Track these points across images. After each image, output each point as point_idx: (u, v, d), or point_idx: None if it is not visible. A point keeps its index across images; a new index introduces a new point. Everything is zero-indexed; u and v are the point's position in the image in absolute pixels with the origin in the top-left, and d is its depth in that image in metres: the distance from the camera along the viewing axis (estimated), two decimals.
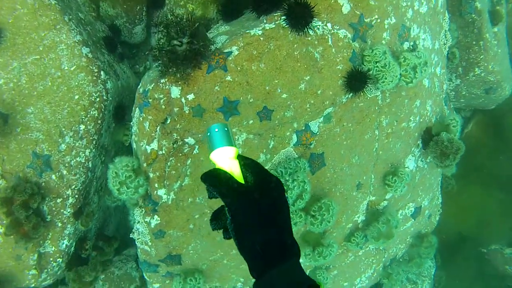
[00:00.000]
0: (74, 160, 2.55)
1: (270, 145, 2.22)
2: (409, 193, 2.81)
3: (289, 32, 2.12)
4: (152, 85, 2.09)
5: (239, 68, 2.06)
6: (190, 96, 2.03)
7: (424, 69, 2.49)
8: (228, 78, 2.04)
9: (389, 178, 2.62)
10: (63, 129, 2.54)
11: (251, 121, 2.14)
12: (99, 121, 2.58)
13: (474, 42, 3.20)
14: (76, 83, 2.54)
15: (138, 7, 3.18)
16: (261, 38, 2.08)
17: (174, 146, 2.09)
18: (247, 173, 0.89)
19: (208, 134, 0.94)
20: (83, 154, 2.56)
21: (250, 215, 0.83)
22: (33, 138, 2.55)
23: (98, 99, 2.55)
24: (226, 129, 0.94)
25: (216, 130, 0.93)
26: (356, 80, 2.26)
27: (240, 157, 0.93)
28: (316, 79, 2.19)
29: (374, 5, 2.32)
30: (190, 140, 2.09)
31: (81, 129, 2.54)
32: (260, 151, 2.22)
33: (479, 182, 3.37)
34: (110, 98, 2.62)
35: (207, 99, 2.04)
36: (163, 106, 2.07)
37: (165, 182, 2.14)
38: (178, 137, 2.08)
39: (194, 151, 2.11)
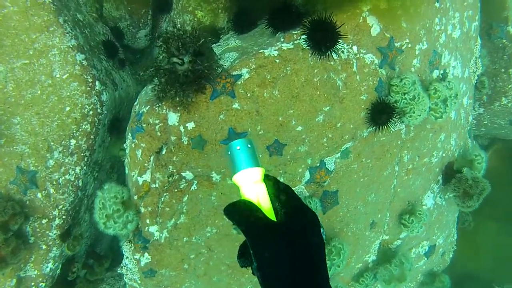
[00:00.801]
0: (63, 178, 2.16)
1: None
2: (425, 231, 2.42)
3: (310, 54, 1.70)
4: (147, 108, 1.68)
5: (249, 95, 1.65)
6: (190, 125, 1.62)
7: (454, 101, 2.08)
8: (236, 105, 1.64)
9: (405, 217, 2.23)
10: (52, 143, 2.15)
11: (259, 156, 1.74)
12: (92, 136, 2.18)
13: (502, 70, 2.76)
14: (68, 93, 2.14)
15: (143, 10, 2.75)
16: (277, 60, 1.67)
17: (169, 180, 1.69)
18: (277, 203, 0.72)
19: (229, 153, 0.75)
20: (73, 172, 2.17)
21: (277, 258, 0.65)
22: (18, 151, 2.16)
23: (91, 112, 2.15)
24: (249, 146, 0.76)
25: (238, 148, 0.74)
26: (381, 113, 1.85)
27: (267, 181, 0.75)
28: (336, 110, 1.78)
29: (406, 28, 1.90)
30: (187, 175, 1.69)
31: (71, 144, 2.15)
32: None
33: (494, 217, 2.99)
34: (105, 111, 2.22)
35: (209, 129, 1.63)
36: (159, 134, 1.67)
37: (157, 218, 1.75)
38: (174, 170, 1.68)
39: (192, 187, 1.71)
